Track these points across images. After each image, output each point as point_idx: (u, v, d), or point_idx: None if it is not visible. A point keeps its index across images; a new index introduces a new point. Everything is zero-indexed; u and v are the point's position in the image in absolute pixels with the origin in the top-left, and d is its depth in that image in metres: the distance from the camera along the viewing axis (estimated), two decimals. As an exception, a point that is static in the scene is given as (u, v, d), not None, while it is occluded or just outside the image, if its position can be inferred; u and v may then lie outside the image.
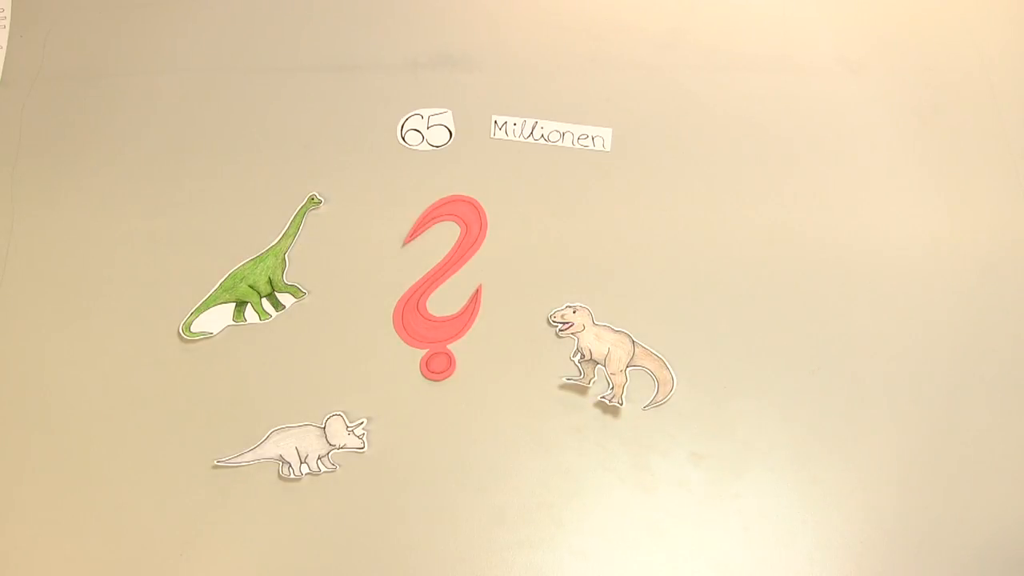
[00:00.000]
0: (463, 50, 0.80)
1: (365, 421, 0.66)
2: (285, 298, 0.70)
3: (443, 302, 0.70)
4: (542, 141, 0.77)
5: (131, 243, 0.71)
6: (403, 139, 0.77)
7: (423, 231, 0.73)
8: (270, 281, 0.70)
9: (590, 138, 0.77)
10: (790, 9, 0.84)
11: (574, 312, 0.70)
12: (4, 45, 0.79)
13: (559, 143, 0.77)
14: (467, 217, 0.73)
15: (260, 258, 0.71)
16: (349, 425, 0.65)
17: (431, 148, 0.76)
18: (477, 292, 0.71)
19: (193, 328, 0.68)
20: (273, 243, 0.71)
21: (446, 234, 0.73)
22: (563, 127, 0.77)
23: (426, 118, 0.77)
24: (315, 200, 0.73)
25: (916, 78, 0.78)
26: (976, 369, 0.70)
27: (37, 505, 0.63)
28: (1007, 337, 0.70)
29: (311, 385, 0.67)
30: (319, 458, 0.65)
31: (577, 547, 0.63)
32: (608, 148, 0.77)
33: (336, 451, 0.65)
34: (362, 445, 0.65)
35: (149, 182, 0.75)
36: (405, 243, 0.72)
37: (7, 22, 0.80)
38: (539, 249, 0.73)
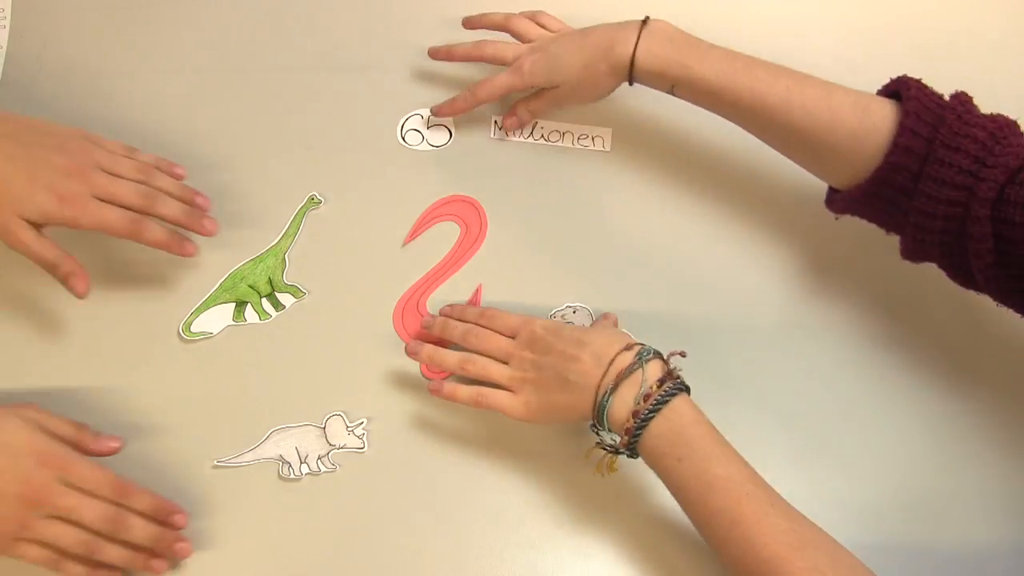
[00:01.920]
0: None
1: (365, 421, 0.66)
2: (285, 298, 0.70)
3: (443, 302, 0.70)
4: (542, 141, 0.77)
5: (131, 243, 0.71)
6: (403, 139, 0.77)
7: (423, 231, 0.73)
8: (270, 281, 0.70)
9: (590, 138, 0.77)
10: (790, 9, 0.84)
11: (574, 312, 0.70)
12: (4, 45, 0.79)
13: (559, 143, 0.77)
14: (467, 217, 0.73)
15: (260, 258, 0.71)
16: (349, 425, 0.65)
17: (431, 148, 0.76)
18: (477, 292, 0.71)
19: (193, 328, 0.68)
20: (273, 243, 0.71)
21: (446, 234, 0.73)
22: (563, 127, 0.77)
23: (426, 118, 0.77)
24: (315, 200, 0.73)
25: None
26: (977, 368, 0.70)
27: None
28: (1004, 337, 0.71)
29: (311, 385, 0.67)
30: (319, 458, 0.64)
31: (577, 547, 0.63)
32: (608, 148, 0.77)
33: (336, 451, 0.65)
34: (362, 445, 0.65)
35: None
36: (405, 243, 0.72)
37: (7, 22, 0.80)
38: (539, 249, 0.73)
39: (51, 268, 0.62)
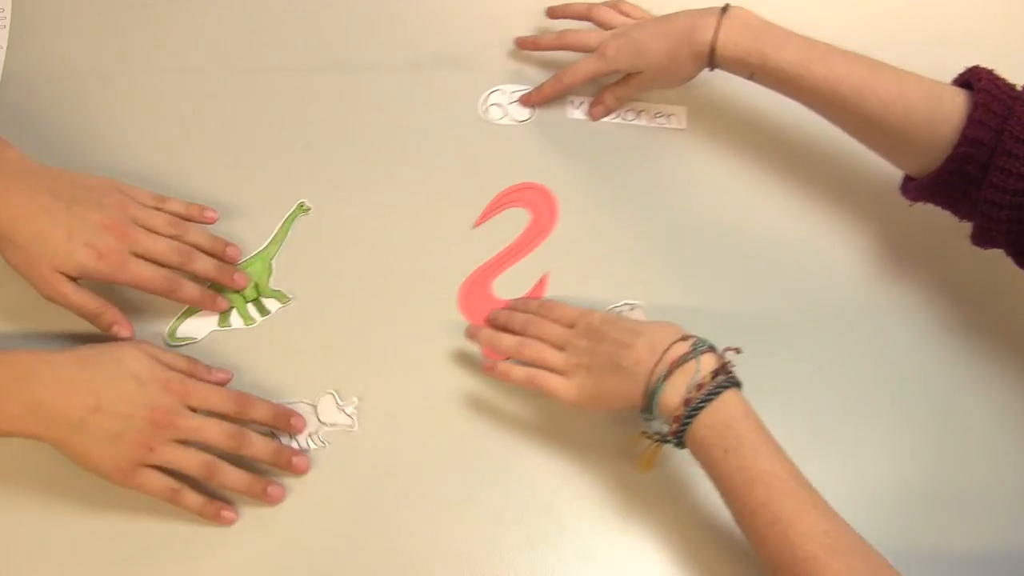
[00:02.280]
0: (464, 50, 0.80)
1: (357, 400, 0.66)
2: (271, 303, 0.69)
3: (510, 286, 0.71)
4: (619, 120, 0.78)
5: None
6: (485, 114, 0.78)
7: (494, 215, 0.74)
8: (256, 286, 0.69)
9: (666, 116, 0.79)
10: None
11: (631, 310, 0.70)
12: (4, 45, 0.79)
13: (635, 122, 0.78)
14: (537, 204, 0.74)
15: (247, 263, 0.70)
16: (340, 403, 0.65)
17: (513, 123, 0.78)
18: (542, 280, 0.71)
19: (178, 334, 0.68)
20: (260, 249, 0.71)
21: (517, 219, 0.74)
22: (639, 105, 0.79)
23: (508, 93, 0.79)
24: (304, 207, 0.73)
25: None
26: (979, 366, 0.70)
27: (32, 508, 0.62)
28: (1009, 342, 0.71)
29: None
30: (309, 435, 0.65)
31: (577, 547, 0.63)
32: (684, 126, 0.78)
33: (327, 429, 0.65)
34: (352, 423, 0.65)
35: (150, 183, 0.74)
36: (475, 225, 0.73)
37: (7, 22, 0.80)
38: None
39: (94, 318, 0.64)
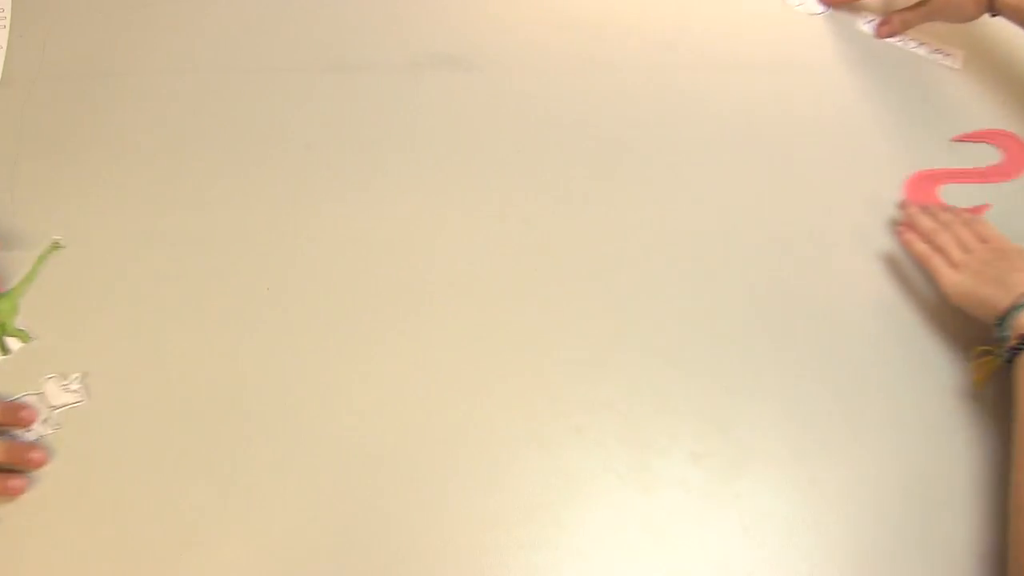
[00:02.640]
0: (465, 51, 0.80)
1: (79, 375, 0.65)
2: (13, 342, 0.68)
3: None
4: (900, 44, 0.87)
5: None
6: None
7: (977, 141, 0.81)
8: (2, 324, 0.68)
9: (943, 54, 0.86)
10: None
11: None
12: (4, 45, 0.80)
13: (915, 50, 0.86)
14: (1012, 151, 0.80)
15: None
16: (64, 383, 0.65)
17: (809, 14, 0.88)
18: (979, 208, 0.77)
19: None
20: (10, 287, 0.69)
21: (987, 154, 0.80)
22: (922, 36, 0.87)
23: None
24: (57, 245, 0.70)
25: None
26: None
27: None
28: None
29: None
30: (43, 422, 0.65)
31: (577, 548, 0.63)
32: (959, 67, 0.85)
33: (59, 411, 0.65)
34: (80, 399, 0.65)
35: (151, 182, 0.75)
36: (955, 139, 0.81)
37: (7, 22, 0.81)
38: None
39: None
